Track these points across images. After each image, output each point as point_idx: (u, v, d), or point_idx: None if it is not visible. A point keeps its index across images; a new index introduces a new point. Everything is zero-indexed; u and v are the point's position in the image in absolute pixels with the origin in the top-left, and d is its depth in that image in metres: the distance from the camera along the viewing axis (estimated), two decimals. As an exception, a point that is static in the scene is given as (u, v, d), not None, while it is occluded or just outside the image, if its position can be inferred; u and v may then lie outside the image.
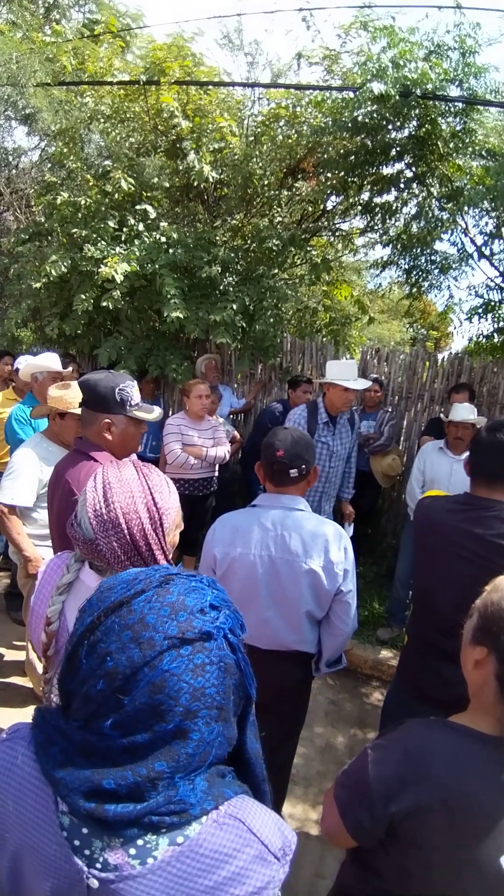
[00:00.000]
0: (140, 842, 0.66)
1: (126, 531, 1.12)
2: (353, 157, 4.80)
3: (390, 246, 5.51)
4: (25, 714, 2.82)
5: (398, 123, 4.52)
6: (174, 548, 1.24)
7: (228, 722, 0.74)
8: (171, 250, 4.53)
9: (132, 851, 0.66)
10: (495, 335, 5.20)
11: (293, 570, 1.80)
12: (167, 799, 0.66)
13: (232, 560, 1.85)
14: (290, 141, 5.03)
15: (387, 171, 5.15)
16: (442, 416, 4.22)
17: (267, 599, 1.84)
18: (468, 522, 1.69)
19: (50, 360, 3.31)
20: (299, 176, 5.45)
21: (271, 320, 4.83)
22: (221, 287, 4.77)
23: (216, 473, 4.21)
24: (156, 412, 1.95)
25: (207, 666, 0.70)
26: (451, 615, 1.73)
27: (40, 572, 1.31)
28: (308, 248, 5.47)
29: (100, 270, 4.31)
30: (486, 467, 1.73)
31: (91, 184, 5.02)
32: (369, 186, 5.40)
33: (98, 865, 0.65)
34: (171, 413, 5.38)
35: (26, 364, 3.44)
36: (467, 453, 1.84)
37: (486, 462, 1.72)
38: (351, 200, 5.66)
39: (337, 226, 6.46)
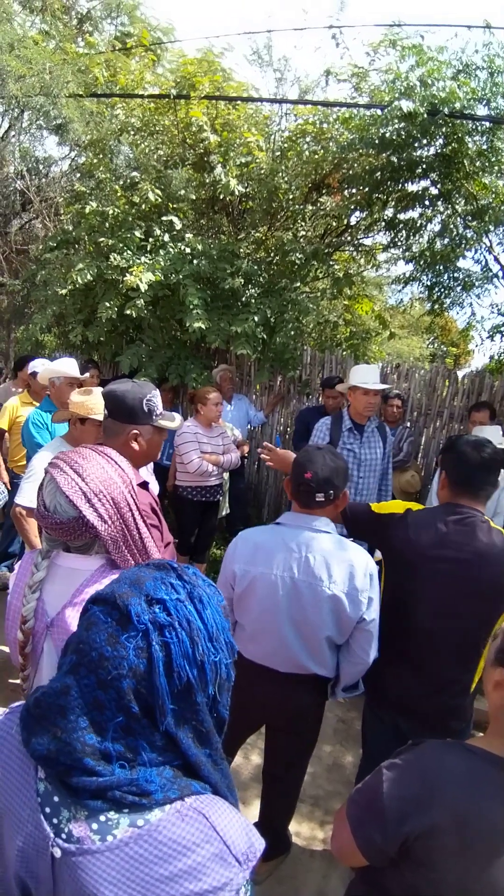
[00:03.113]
0: (102, 818, 0.69)
1: (109, 496, 1.23)
2: (378, 173, 4.83)
3: (413, 262, 5.51)
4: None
5: (425, 141, 4.54)
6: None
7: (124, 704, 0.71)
8: (195, 261, 4.58)
9: (94, 826, 0.69)
10: (517, 354, 5.17)
11: (315, 594, 1.74)
12: (129, 779, 0.69)
13: (252, 578, 1.80)
14: (316, 156, 5.07)
15: (412, 187, 5.18)
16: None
17: (287, 622, 1.78)
18: (454, 531, 1.76)
19: (67, 366, 3.33)
20: (324, 191, 5.48)
21: (292, 333, 4.85)
22: (243, 299, 4.80)
23: (224, 478, 4.29)
24: (177, 420, 1.97)
25: (118, 646, 0.71)
26: (432, 623, 1.75)
27: (16, 569, 1.36)
28: (331, 263, 5.49)
29: (125, 279, 4.37)
30: (474, 483, 1.81)
31: (119, 194, 5.11)
32: (394, 203, 5.42)
33: (63, 836, 0.69)
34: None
35: (44, 369, 3.47)
36: None
37: (475, 478, 1.80)
38: (375, 216, 5.68)
39: (360, 241, 6.48)
